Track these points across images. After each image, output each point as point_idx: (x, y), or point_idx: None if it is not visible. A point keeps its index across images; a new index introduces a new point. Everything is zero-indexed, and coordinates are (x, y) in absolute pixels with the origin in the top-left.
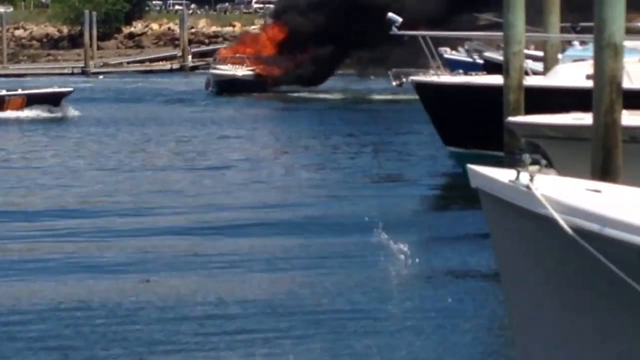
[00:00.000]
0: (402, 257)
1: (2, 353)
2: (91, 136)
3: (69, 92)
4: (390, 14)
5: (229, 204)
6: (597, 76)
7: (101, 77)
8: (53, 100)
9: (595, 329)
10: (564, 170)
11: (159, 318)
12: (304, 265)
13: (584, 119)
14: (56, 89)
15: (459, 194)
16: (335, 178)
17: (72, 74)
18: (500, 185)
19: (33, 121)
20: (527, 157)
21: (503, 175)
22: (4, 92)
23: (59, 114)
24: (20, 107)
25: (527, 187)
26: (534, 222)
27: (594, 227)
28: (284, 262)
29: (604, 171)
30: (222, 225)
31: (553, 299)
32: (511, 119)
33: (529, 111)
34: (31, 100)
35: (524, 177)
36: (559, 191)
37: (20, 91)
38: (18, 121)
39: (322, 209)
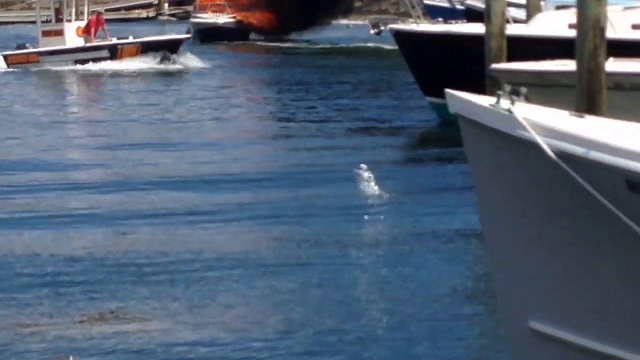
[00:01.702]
0: (382, 206)
1: None
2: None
3: (186, 39)
4: None
5: (210, 159)
6: (580, 21)
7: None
8: (169, 48)
9: (578, 260)
10: None
11: (133, 270)
12: (286, 218)
13: (569, 65)
14: (173, 36)
15: (439, 145)
16: (314, 129)
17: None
18: (481, 110)
19: (147, 71)
20: (507, 85)
21: (483, 100)
22: (117, 41)
23: (175, 64)
24: (134, 56)
25: (509, 110)
26: (515, 147)
27: (579, 150)
28: (264, 215)
29: None
30: (199, 179)
31: (534, 228)
32: (495, 66)
33: (510, 61)
34: (147, 49)
35: (505, 102)
36: (541, 116)
37: (132, 39)
38: (132, 70)
39: (299, 160)
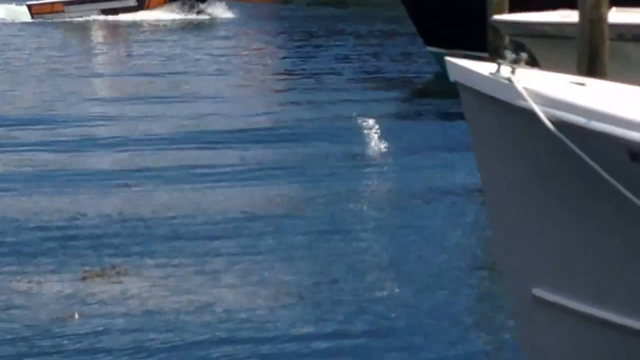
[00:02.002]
0: (383, 161)
1: None
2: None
3: None
4: None
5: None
6: None
7: None
8: None
9: (579, 229)
10: (550, 69)
11: (136, 226)
12: (284, 175)
13: (572, 16)
14: None
15: (440, 96)
16: (310, 82)
17: None
18: (480, 78)
19: (174, 21)
20: (508, 51)
21: (483, 68)
22: None
23: (203, 13)
24: (162, 5)
25: (508, 79)
26: (514, 116)
27: (578, 120)
28: (263, 172)
29: (590, 69)
30: (202, 134)
31: (533, 197)
32: (496, 17)
33: (512, 12)
34: None
35: (505, 70)
36: (541, 84)
37: None
38: (160, 20)
39: (293, 115)
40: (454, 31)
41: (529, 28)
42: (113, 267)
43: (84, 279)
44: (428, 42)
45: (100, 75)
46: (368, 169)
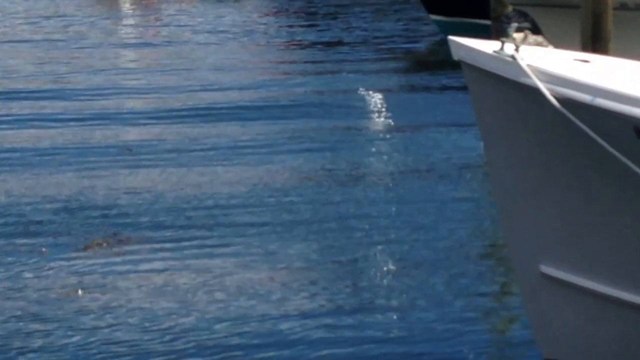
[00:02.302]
0: (388, 136)
1: None
2: None
3: None
4: None
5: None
6: None
7: None
8: None
9: (585, 206)
10: (554, 39)
11: (145, 197)
12: (287, 150)
13: None
14: None
15: (442, 66)
16: (307, 53)
17: None
18: (484, 57)
19: None
20: (512, 27)
21: (487, 46)
22: None
23: None
24: None
25: (512, 57)
26: (519, 93)
27: (584, 97)
28: (269, 145)
29: (594, 38)
30: (197, 109)
31: (539, 174)
32: None
33: None
34: None
35: (509, 47)
36: (546, 61)
37: None
38: None
39: (290, 87)
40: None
41: None
42: (115, 234)
43: (85, 248)
44: (431, 10)
45: (115, 44)
46: (372, 144)
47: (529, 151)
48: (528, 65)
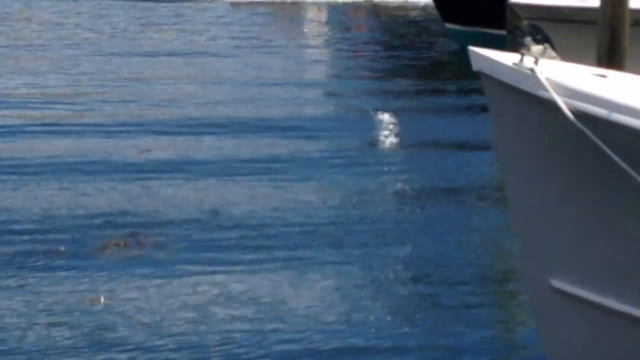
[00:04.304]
0: (400, 155)
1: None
2: None
3: None
4: None
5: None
6: None
7: None
8: None
9: (599, 221)
10: (566, 54)
11: (159, 192)
12: (304, 138)
13: (590, 0)
14: None
15: (455, 74)
16: (320, 52)
17: None
18: (504, 68)
19: None
20: (530, 40)
21: (506, 58)
22: None
23: None
24: None
25: (531, 70)
26: (537, 106)
27: (600, 112)
28: (278, 161)
29: (610, 52)
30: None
31: (554, 187)
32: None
33: None
34: None
35: (528, 60)
36: (564, 75)
37: None
38: None
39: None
40: (472, 8)
41: (547, 11)
42: (132, 234)
43: (103, 248)
44: (446, 19)
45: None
46: (384, 163)
47: (544, 164)
48: (546, 78)
